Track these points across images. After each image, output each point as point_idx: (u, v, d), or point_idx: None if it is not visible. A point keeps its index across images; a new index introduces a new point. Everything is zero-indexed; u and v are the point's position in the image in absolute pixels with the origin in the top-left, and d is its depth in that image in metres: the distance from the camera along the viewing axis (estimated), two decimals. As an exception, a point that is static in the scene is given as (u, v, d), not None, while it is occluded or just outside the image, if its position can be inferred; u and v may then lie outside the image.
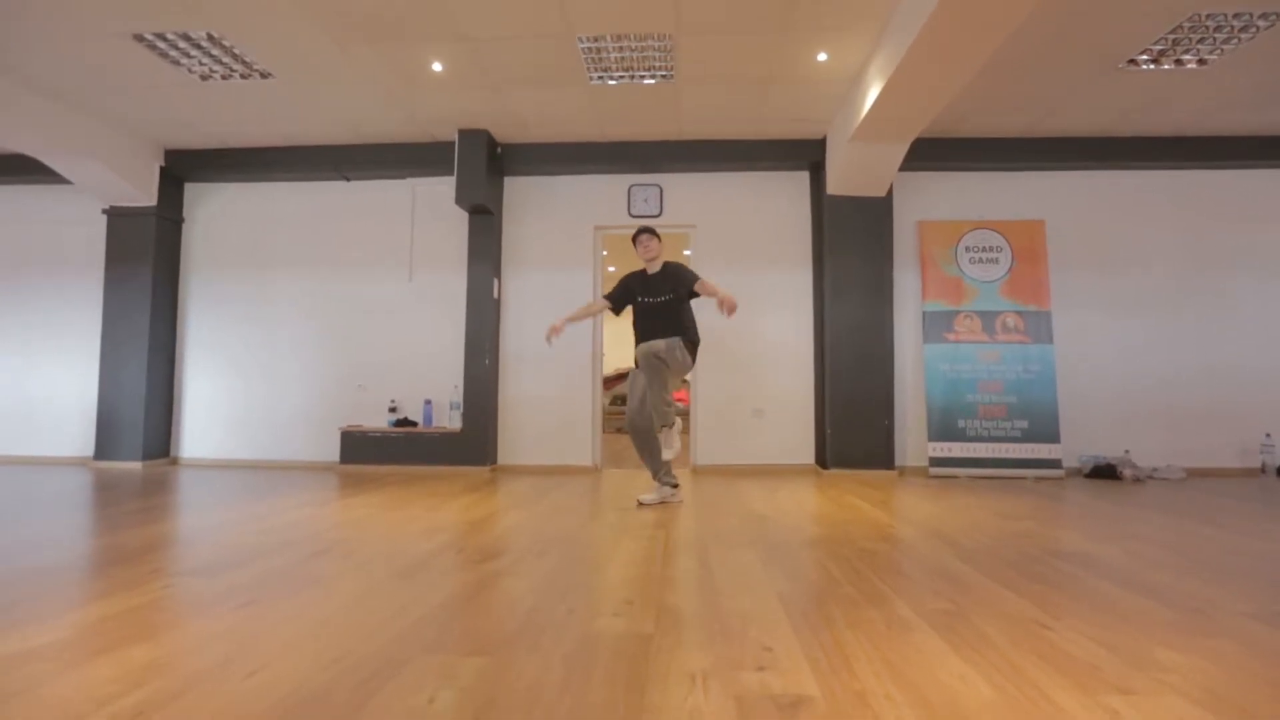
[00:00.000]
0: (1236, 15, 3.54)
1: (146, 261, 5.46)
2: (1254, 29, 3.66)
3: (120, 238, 5.50)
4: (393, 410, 5.44)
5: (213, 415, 5.67)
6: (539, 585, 2.06)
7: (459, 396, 5.33)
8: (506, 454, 5.44)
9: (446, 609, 1.82)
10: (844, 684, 1.34)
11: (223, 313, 5.73)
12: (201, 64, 4.14)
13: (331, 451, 5.44)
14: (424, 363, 5.53)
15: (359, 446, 5.29)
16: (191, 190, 5.81)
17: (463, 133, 5.12)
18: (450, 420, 5.35)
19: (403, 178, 5.63)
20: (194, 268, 5.77)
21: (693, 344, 3.55)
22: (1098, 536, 2.83)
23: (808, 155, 5.25)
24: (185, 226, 5.79)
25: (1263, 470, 4.99)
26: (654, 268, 3.65)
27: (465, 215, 5.46)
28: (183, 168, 5.58)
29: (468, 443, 5.23)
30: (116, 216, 5.50)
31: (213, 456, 5.63)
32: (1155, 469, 4.85)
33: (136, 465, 5.31)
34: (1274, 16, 3.54)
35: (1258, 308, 5.21)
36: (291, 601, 1.88)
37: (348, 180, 5.69)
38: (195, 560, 2.35)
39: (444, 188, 5.49)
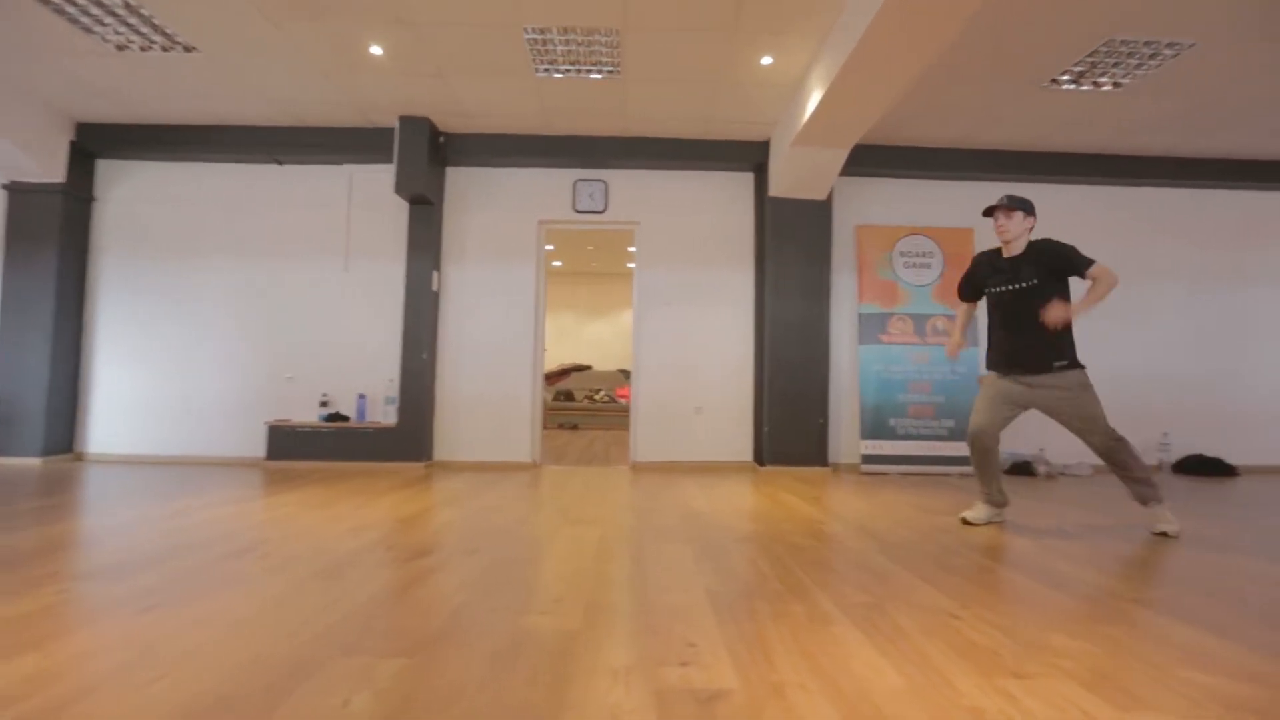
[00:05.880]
0: (1147, 43, 3.79)
1: (52, 242, 5.08)
2: (1161, 57, 3.93)
3: (21, 216, 5.09)
4: (324, 404, 5.24)
5: (125, 407, 5.32)
6: (468, 583, 2.02)
7: (394, 391, 5.18)
8: (443, 450, 5.33)
9: (369, 609, 1.77)
10: (762, 676, 1.37)
11: (139, 299, 5.38)
12: (117, 32, 3.87)
13: (257, 447, 5.20)
14: (358, 355, 5.35)
15: (287, 441, 5.07)
16: (105, 167, 5.43)
17: (404, 120, 4.97)
18: (385, 415, 5.19)
19: (340, 164, 5.42)
20: (106, 250, 5.40)
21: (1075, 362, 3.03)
22: (1012, 529, 2.99)
23: (752, 157, 5.34)
24: (97, 206, 5.41)
25: (1159, 467, 5.38)
26: (1013, 249, 2.99)
27: (405, 205, 5.30)
28: (96, 143, 5.21)
29: (403, 438, 5.09)
30: (18, 193, 5.09)
31: (124, 451, 5.28)
32: (1066, 466, 5.16)
33: (35, 461, 4.94)
34: (1178, 47, 3.81)
35: (1167, 316, 5.61)
36: (201, 605, 1.78)
37: (280, 164, 5.43)
38: (95, 562, 2.20)
39: (383, 175, 5.32)
